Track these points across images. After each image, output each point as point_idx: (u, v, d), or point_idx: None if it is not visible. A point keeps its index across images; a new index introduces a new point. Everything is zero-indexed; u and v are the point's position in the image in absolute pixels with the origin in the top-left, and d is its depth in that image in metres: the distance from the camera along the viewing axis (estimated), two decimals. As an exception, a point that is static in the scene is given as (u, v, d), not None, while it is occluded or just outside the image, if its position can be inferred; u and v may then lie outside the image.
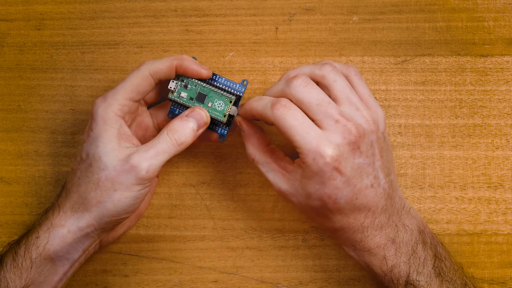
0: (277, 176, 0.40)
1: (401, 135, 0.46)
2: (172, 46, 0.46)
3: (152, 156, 0.39)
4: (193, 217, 0.46)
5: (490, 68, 0.46)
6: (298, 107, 0.38)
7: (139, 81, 0.40)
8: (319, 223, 0.41)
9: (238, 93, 0.42)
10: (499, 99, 0.46)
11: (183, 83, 0.42)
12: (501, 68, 0.46)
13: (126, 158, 0.38)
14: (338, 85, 0.39)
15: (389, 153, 0.41)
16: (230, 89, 0.43)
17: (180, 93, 0.42)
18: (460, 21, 0.46)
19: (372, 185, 0.38)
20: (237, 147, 0.46)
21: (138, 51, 0.47)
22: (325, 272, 0.45)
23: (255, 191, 0.46)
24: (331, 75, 0.39)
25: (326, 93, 0.39)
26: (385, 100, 0.46)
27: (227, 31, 0.47)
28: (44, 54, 0.47)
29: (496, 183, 0.45)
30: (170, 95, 0.42)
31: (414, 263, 0.38)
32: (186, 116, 0.41)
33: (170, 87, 0.42)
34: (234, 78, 0.46)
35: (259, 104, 0.39)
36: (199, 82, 0.42)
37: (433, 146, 0.46)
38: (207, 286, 0.45)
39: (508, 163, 0.45)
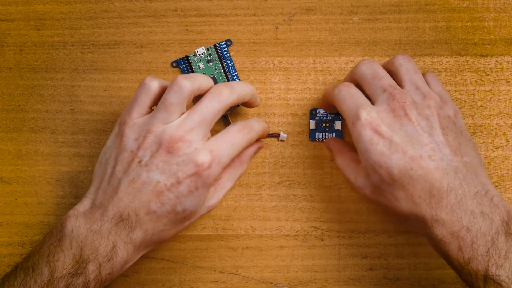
0: (353, 172, 0.41)
1: (401, 135, 0.46)
2: (172, 46, 0.46)
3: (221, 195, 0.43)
4: (193, 217, 0.46)
5: (490, 68, 0.46)
6: (361, 84, 0.40)
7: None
8: (391, 211, 0.38)
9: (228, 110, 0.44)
10: (499, 99, 0.46)
11: (210, 57, 0.45)
12: (501, 68, 0.46)
13: (206, 201, 0.41)
14: (404, 68, 0.40)
15: (463, 139, 0.39)
16: None
17: (200, 63, 0.45)
18: (460, 21, 0.46)
19: (430, 157, 0.36)
20: (237, 147, 0.46)
21: (138, 51, 0.47)
22: (325, 272, 0.45)
23: (255, 191, 0.46)
24: (400, 60, 0.41)
25: (394, 79, 0.40)
26: (385, 100, 0.46)
27: (227, 31, 0.47)
28: (44, 54, 0.47)
29: (496, 183, 0.45)
30: (191, 55, 0.45)
31: (494, 256, 0.35)
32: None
33: (197, 51, 0.44)
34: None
35: (329, 89, 0.42)
36: (221, 69, 0.45)
37: (433, 146, 0.46)
38: (207, 286, 0.45)
39: (508, 163, 0.45)
